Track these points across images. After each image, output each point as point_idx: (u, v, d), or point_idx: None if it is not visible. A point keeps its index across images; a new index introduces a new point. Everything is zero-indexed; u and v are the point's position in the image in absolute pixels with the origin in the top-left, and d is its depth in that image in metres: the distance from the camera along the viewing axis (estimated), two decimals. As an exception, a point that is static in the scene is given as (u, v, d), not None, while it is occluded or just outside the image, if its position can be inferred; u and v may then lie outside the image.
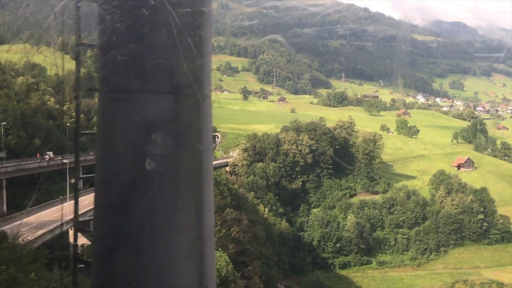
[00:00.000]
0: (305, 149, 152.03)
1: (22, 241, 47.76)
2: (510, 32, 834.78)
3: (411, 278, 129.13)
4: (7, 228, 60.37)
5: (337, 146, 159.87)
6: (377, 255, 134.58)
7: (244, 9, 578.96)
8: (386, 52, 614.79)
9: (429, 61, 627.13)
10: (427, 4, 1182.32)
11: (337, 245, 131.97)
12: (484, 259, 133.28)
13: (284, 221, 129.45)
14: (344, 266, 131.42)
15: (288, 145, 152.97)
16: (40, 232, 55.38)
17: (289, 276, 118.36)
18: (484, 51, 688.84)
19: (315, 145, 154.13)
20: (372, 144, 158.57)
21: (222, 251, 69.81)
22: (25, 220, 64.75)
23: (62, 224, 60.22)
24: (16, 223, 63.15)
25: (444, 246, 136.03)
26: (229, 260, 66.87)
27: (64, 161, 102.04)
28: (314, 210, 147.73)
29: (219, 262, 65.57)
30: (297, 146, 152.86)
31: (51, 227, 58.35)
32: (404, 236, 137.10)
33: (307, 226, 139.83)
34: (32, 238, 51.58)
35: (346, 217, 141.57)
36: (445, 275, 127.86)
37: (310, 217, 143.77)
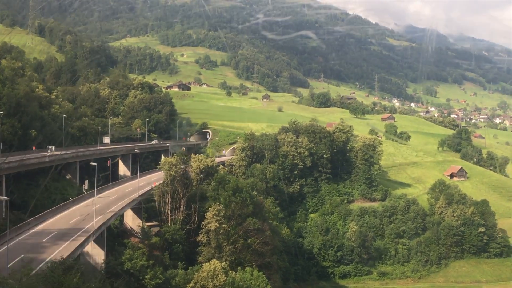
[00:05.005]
0: (304, 152, 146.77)
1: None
2: (479, 42, 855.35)
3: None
4: (26, 236, 53.02)
5: (335, 150, 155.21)
6: (378, 266, 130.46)
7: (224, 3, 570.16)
8: (362, 55, 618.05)
9: (404, 66, 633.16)
10: (400, 8, 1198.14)
11: (338, 253, 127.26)
12: (484, 273, 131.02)
13: (286, 227, 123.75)
14: (344, 276, 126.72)
15: (288, 147, 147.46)
16: (71, 246, 47.94)
17: (290, 284, 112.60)
18: (455, 59, 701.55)
19: (314, 148, 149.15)
20: (371, 149, 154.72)
21: (257, 268, 63.31)
22: (40, 227, 57.24)
23: (89, 236, 52.82)
24: (32, 230, 55.64)
25: (445, 259, 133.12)
26: (267, 281, 60.51)
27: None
28: (311, 215, 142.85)
29: (256, 282, 59.36)
30: (296, 149, 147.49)
31: (78, 240, 50.75)
32: (405, 247, 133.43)
33: (306, 232, 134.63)
34: (67, 255, 44.50)
35: (346, 224, 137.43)
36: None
37: (308, 223, 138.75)
